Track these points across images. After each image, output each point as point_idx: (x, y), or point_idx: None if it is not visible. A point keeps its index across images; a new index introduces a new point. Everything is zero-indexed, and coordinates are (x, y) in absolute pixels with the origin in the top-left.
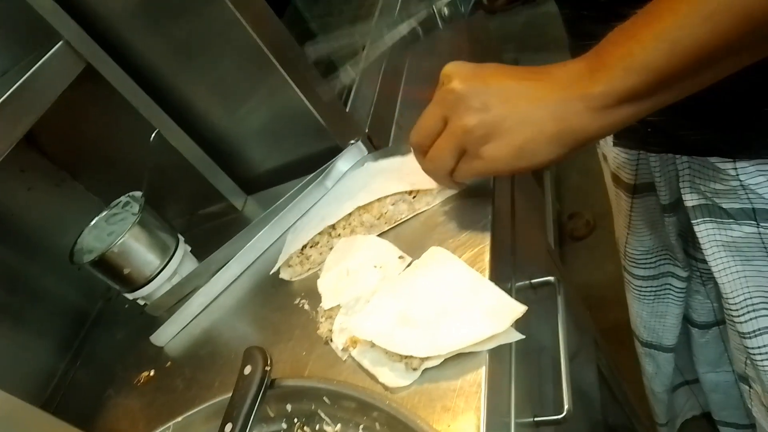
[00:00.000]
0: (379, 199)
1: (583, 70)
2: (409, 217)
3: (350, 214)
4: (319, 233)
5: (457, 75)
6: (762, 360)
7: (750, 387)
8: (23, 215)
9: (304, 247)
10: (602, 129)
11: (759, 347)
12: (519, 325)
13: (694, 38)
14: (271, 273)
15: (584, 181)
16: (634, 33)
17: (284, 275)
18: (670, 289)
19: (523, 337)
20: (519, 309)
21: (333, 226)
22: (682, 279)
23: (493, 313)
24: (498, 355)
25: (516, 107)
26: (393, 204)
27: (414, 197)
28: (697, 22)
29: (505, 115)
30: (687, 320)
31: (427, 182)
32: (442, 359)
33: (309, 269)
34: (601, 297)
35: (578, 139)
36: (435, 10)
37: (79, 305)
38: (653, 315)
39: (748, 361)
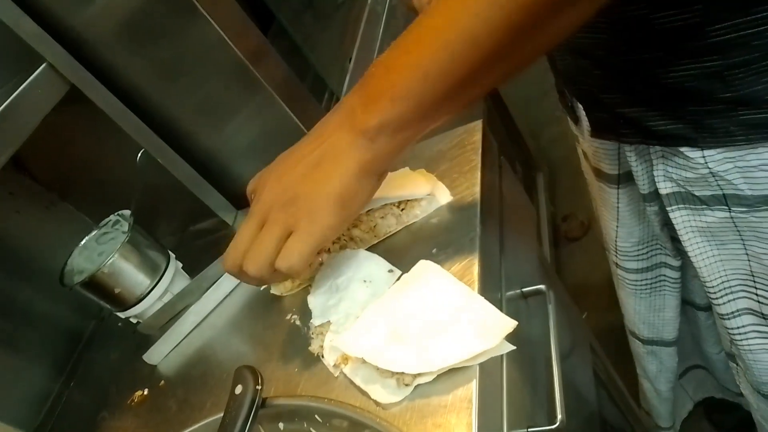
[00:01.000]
0: (367, 212)
1: (356, 106)
2: (398, 230)
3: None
4: None
5: (261, 189)
6: (741, 340)
7: (737, 365)
8: (13, 238)
9: None
10: (393, 152)
11: (737, 327)
12: (510, 335)
13: (439, 66)
14: (261, 289)
15: (577, 183)
16: (392, 64)
17: (275, 291)
18: (665, 280)
19: (514, 348)
20: (509, 324)
21: None
22: (675, 269)
23: (484, 329)
24: (489, 367)
25: (319, 172)
26: (381, 217)
27: (402, 210)
28: (437, 51)
29: (314, 183)
30: (691, 305)
31: (415, 191)
32: (434, 375)
33: (299, 285)
34: (597, 298)
35: (379, 166)
36: None
37: (72, 326)
38: (651, 309)
39: (731, 341)
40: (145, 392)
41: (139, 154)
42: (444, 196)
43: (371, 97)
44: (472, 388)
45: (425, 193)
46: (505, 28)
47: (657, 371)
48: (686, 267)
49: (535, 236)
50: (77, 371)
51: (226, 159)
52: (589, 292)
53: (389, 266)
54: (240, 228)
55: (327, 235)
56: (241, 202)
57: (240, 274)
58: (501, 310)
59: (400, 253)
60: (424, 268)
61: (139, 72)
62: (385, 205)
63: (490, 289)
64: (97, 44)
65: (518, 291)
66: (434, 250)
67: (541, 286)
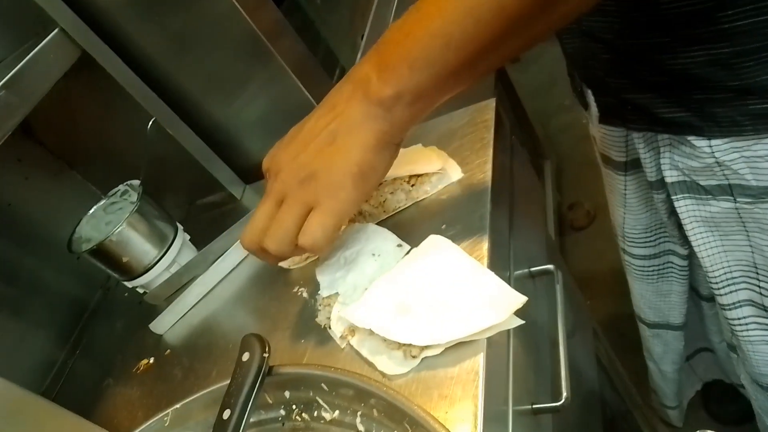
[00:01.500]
0: (377, 187)
1: (371, 74)
2: (407, 205)
3: None
4: None
5: (277, 166)
6: (741, 331)
7: (737, 355)
8: (21, 205)
9: None
10: (411, 120)
11: (738, 318)
12: (518, 310)
13: (462, 31)
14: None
15: (584, 172)
16: (411, 30)
17: (283, 264)
18: (672, 267)
19: (523, 322)
20: (519, 299)
21: None
22: (682, 257)
23: (493, 303)
24: (496, 342)
25: (336, 147)
26: (391, 193)
27: (412, 185)
28: (462, 16)
29: (331, 158)
30: (696, 293)
31: (426, 167)
32: (443, 348)
33: (307, 258)
34: (601, 287)
35: (396, 135)
36: None
37: (78, 295)
38: (657, 294)
39: (732, 332)
40: (151, 361)
41: (150, 124)
42: (455, 173)
43: (388, 64)
44: (479, 362)
45: (436, 169)
46: None
47: (662, 353)
48: (692, 256)
49: (543, 217)
50: (83, 340)
51: (236, 132)
52: (593, 281)
53: (398, 240)
54: (257, 207)
55: (348, 210)
56: (249, 176)
57: (259, 251)
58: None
59: (410, 228)
60: (434, 242)
61: (151, 41)
62: (395, 179)
63: (498, 267)
64: (109, 11)
65: (526, 270)
66: (444, 226)
67: (550, 266)
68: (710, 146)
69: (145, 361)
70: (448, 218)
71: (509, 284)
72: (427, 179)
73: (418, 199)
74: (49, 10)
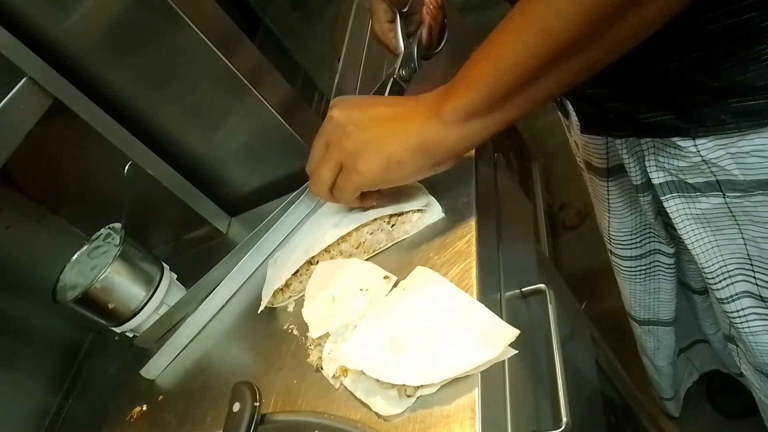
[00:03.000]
0: (357, 228)
1: (442, 91)
2: (388, 246)
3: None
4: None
5: (338, 105)
6: (741, 323)
7: (737, 346)
8: (4, 254)
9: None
10: (458, 143)
11: (737, 311)
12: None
13: (510, 55)
14: (259, 312)
15: (573, 171)
16: (474, 56)
17: (266, 303)
18: (659, 266)
19: (516, 352)
20: (511, 333)
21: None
22: (669, 255)
23: (485, 338)
24: (491, 372)
25: (384, 126)
26: (371, 233)
27: (392, 226)
28: (511, 39)
29: (375, 133)
30: (688, 288)
31: (408, 204)
32: (438, 387)
33: (290, 297)
34: (596, 285)
35: (438, 151)
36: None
37: (69, 339)
38: (646, 293)
39: (730, 324)
40: (144, 408)
41: (127, 166)
42: (435, 213)
43: (454, 83)
44: (475, 396)
45: (419, 207)
46: (580, 22)
47: (655, 348)
48: (680, 253)
49: (532, 231)
50: (76, 386)
51: (217, 166)
52: (588, 280)
53: (384, 272)
54: (315, 139)
55: (362, 185)
56: (234, 208)
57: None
58: (500, 310)
59: (396, 258)
60: (422, 274)
61: (123, 81)
62: (375, 220)
63: (488, 291)
64: (78, 55)
65: (517, 291)
66: (430, 255)
67: (541, 285)
68: (695, 145)
69: (138, 409)
70: (434, 246)
71: (500, 307)
72: (408, 218)
73: (399, 239)
74: (14, 59)
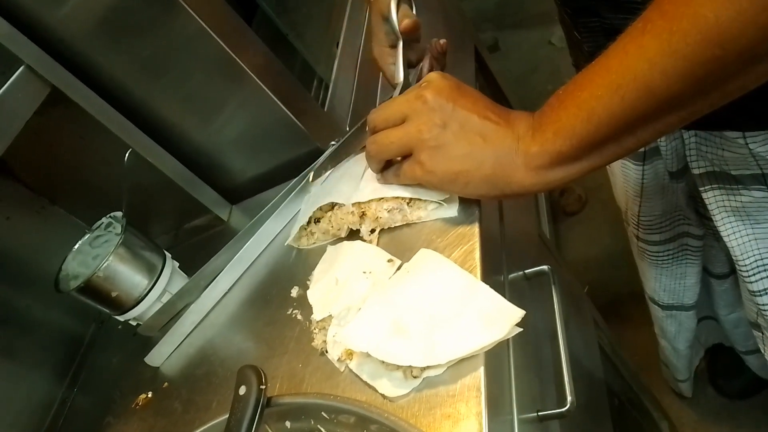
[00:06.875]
0: (379, 199)
1: (530, 127)
2: (398, 225)
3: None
4: (322, 209)
5: (435, 86)
6: None
7: (762, 333)
8: (5, 245)
9: (309, 222)
10: (535, 186)
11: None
12: None
13: (606, 108)
14: (286, 244)
15: None
16: (564, 99)
17: (292, 242)
18: (687, 248)
19: (521, 330)
20: (517, 314)
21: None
22: (698, 237)
23: (490, 319)
24: (495, 352)
25: (468, 139)
26: (389, 211)
27: (411, 208)
28: (608, 93)
29: (458, 141)
30: (705, 271)
31: (429, 194)
32: (444, 368)
33: (314, 243)
34: (598, 271)
35: (510, 187)
36: None
37: (73, 330)
38: (673, 277)
39: (759, 314)
40: (149, 395)
41: (127, 154)
42: (451, 210)
43: (541, 124)
44: (480, 376)
45: (439, 199)
46: (684, 80)
47: (676, 332)
48: (708, 236)
49: (535, 214)
50: (80, 376)
51: (217, 153)
52: (589, 265)
53: (388, 255)
54: (394, 100)
55: (420, 180)
56: (235, 196)
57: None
58: (504, 292)
59: (399, 241)
60: (425, 257)
61: (121, 69)
62: (396, 197)
63: (492, 273)
64: (75, 43)
65: (521, 273)
66: (433, 238)
67: (544, 267)
68: (744, 137)
69: (143, 396)
70: (438, 229)
71: (504, 289)
72: (424, 205)
73: (411, 222)
74: (12, 47)
